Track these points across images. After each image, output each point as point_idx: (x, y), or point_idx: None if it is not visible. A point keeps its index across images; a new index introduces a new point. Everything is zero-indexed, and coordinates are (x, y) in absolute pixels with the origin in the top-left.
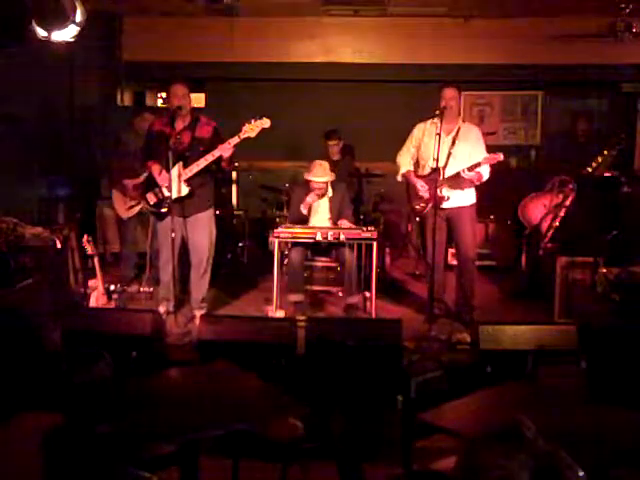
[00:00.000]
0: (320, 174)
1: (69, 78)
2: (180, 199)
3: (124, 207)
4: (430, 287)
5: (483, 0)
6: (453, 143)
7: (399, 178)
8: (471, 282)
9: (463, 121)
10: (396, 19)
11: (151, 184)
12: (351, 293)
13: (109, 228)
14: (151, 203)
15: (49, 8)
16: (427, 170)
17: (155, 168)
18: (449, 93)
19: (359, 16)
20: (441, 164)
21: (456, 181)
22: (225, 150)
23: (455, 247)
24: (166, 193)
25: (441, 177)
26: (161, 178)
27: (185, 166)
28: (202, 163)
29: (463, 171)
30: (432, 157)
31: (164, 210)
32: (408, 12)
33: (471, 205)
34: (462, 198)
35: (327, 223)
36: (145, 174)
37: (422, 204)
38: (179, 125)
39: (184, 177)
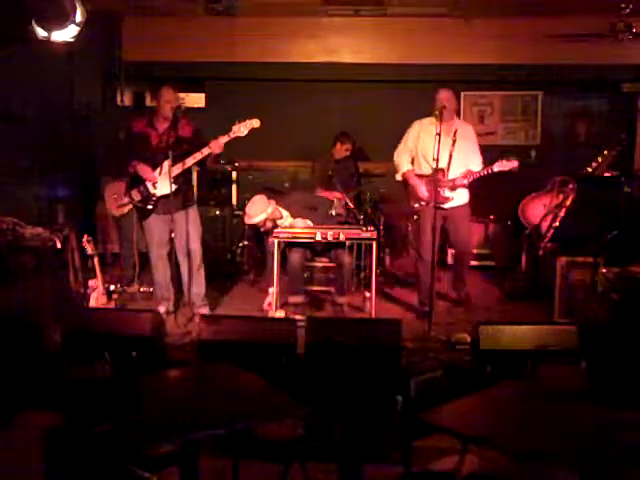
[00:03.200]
0: (254, 213)
1: (69, 78)
2: (167, 196)
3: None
4: (431, 284)
5: (483, 0)
6: (453, 144)
7: (398, 177)
8: (466, 266)
9: (457, 117)
10: (396, 19)
11: (135, 182)
12: (341, 293)
13: (110, 228)
14: (136, 200)
15: (49, 8)
16: (428, 170)
17: (141, 167)
18: (444, 94)
19: (359, 16)
20: (443, 164)
21: (456, 182)
22: (215, 148)
23: (453, 244)
24: (151, 190)
25: (445, 178)
26: (150, 177)
27: (172, 164)
28: (190, 161)
29: (478, 173)
30: (432, 157)
31: (150, 207)
32: (408, 12)
33: (466, 203)
34: (460, 197)
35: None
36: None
37: (422, 203)
38: (162, 126)
39: (172, 174)
